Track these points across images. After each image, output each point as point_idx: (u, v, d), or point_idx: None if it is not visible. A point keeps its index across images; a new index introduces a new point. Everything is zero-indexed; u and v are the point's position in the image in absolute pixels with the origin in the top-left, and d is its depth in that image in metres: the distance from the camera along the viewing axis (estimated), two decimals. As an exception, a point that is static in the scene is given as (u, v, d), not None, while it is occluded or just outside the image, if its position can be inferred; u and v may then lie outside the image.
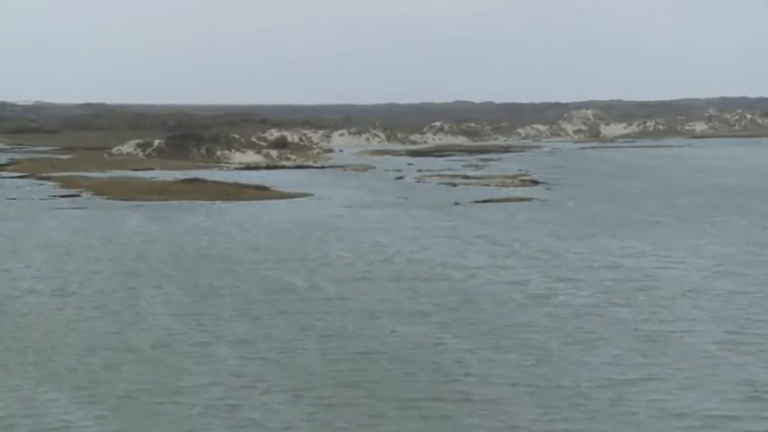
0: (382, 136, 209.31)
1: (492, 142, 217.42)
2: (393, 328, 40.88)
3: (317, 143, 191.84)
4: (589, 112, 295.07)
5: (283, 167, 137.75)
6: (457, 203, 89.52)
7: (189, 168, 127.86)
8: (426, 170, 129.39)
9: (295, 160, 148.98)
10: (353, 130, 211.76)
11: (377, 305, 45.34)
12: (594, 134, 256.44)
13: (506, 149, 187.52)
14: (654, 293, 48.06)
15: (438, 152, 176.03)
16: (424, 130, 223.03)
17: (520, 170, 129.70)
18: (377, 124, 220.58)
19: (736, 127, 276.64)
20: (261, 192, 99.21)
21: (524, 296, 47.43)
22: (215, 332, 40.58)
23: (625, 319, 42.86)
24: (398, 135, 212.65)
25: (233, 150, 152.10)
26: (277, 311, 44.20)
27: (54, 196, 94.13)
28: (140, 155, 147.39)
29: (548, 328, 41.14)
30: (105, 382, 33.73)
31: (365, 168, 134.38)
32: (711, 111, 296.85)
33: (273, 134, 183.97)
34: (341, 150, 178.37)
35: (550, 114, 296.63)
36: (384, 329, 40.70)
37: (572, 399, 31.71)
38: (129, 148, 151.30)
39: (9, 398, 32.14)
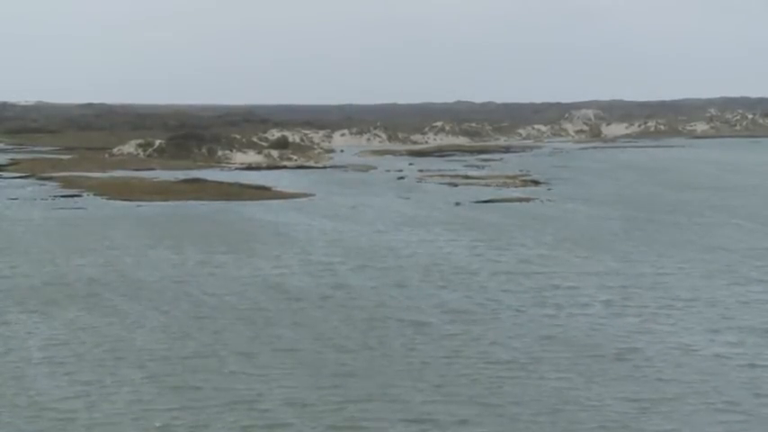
0: (383, 136, 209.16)
1: (493, 142, 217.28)
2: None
3: (318, 143, 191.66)
4: (590, 112, 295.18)
5: (284, 167, 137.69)
6: (458, 204, 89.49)
7: (190, 168, 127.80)
8: (427, 170, 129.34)
9: (296, 160, 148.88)
10: (354, 130, 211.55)
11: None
12: (596, 134, 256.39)
13: (507, 149, 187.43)
14: (668, 305, 47.12)
15: (439, 152, 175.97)
16: (425, 130, 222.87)
17: (521, 170, 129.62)
18: (378, 124, 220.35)
19: (737, 127, 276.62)
20: (262, 192, 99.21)
21: (532, 308, 47.18)
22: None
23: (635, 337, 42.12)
24: (399, 135, 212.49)
25: (234, 150, 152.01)
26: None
27: (55, 196, 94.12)
28: (141, 155, 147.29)
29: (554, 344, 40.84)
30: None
31: (366, 169, 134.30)
32: (712, 111, 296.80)
33: (274, 134, 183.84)
34: (342, 150, 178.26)
35: (551, 114, 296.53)
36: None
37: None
38: (130, 148, 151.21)
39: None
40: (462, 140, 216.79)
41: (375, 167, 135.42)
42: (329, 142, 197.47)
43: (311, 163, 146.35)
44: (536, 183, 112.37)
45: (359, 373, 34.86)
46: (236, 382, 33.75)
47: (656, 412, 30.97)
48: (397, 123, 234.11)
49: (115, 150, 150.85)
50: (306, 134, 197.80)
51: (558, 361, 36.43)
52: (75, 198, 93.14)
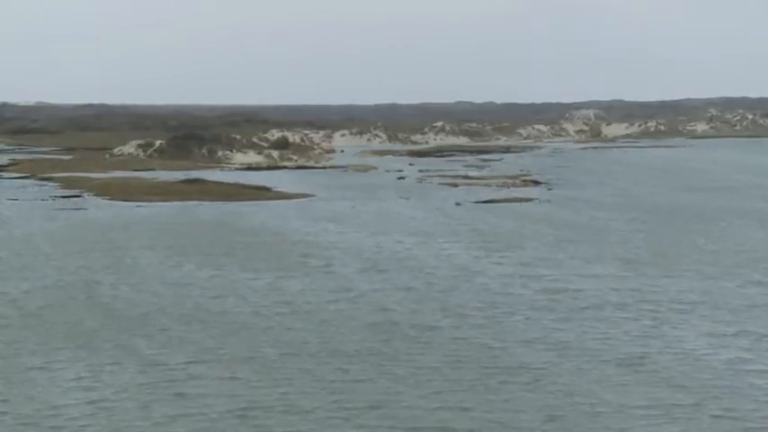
0: (383, 136, 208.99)
1: (493, 142, 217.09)
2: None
3: (318, 143, 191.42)
4: (590, 112, 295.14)
5: (285, 168, 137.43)
6: (458, 204, 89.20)
7: (190, 169, 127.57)
8: (427, 170, 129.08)
9: (296, 161, 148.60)
10: (355, 130, 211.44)
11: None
12: (596, 134, 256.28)
13: (507, 150, 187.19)
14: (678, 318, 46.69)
15: (439, 152, 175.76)
16: (426, 130, 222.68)
17: (521, 170, 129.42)
18: (378, 124, 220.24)
19: (738, 127, 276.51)
20: (262, 192, 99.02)
21: (538, 312, 46.74)
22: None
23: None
24: (400, 135, 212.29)
25: (234, 151, 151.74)
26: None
27: (55, 197, 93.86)
28: (141, 155, 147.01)
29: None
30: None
31: (366, 169, 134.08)
32: (713, 111, 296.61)
33: (275, 134, 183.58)
34: (342, 151, 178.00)
35: (552, 114, 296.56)
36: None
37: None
38: (130, 148, 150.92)
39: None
40: (462, 140, 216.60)
41: (375, 168, 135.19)
42: (329, 142, 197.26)
43: (311, 163, 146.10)
44: (537, 183, 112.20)
45: (362, 380, 34.46)
46: (236, 388, 33.38)
47: (666, 419, 30.54)
48: (397, 123, 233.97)
49: (115, 151, 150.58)
50: (306, 134, 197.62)
51: (566, 366, 35.97)
52: (76, 199, 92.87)
